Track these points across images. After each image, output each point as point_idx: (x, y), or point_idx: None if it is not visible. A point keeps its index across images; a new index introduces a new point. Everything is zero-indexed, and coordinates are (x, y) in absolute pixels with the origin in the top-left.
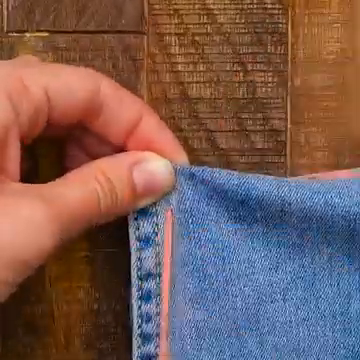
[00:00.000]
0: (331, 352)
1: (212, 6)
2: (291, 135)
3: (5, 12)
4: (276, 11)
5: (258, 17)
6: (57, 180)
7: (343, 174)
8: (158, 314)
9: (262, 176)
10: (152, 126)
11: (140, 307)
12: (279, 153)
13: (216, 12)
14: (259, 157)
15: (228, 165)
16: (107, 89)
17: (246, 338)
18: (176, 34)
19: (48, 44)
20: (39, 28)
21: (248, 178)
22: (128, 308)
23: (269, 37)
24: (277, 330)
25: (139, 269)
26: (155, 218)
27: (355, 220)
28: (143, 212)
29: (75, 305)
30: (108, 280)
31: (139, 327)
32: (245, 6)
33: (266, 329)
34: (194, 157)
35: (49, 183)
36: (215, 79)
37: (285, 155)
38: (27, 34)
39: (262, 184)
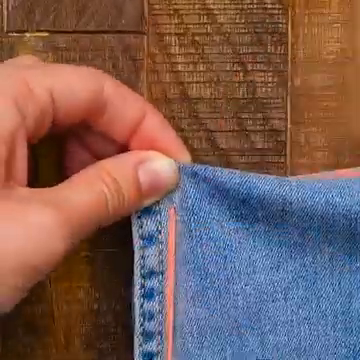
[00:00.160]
0: (332, 351)
1: (212, 6)
2: (291, 135)
3: (5, 12)
4: (276, 11)
5: (258, 17)
6: (63, 183)
7: (344, 173)
8: (160, 312)
9: (264, 175)
10: (155, 124)
11: (142, 305)
12: (279, 153)
13: (216, 12)
14: (259, 157)
15: (228, 165)
16: (110, 88)
17: (247, 337)
18: (176, 34)
19: (48, 44)
20: (39, 28)
21: (250, 177)
22: (129, 307)
23: (269, 37)
24: (278, 329)
25: (142, 267)
26: (158, 216)
27: (356, 219)
28: (146, 210)
29: (75, 305)
30: (108, 280)
31: (141, 325)
32: (245, 6)
33: (267, 328)
34: (194, 157)
35: (55, 187)
36: (215, 79)
37: (285, 155)
38: (27, 34)
39: (263, 183)
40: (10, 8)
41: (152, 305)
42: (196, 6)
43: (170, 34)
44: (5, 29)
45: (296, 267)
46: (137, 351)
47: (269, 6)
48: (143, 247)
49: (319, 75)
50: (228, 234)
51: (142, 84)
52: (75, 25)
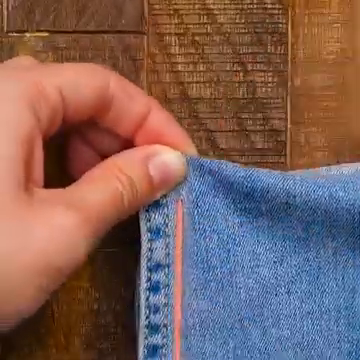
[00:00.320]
0: (335, 346)
1: (212, 6)
2: (291, 135)
3: (5, 12)
4: (276, 11)
5: (258, 17)
6: (78, 183)
7: (348, 168)
8: (166, 305)
9: (268, 170)
10: (161, 119)
11: (148, 298)
12: (279, 153)
13: (216, 12)
14: (259, 157)
15: None
16: (116, 84)
17: (250, 330)
18: (176, 34)
19: (48, 44)
20: (39, 28)
21: (254, 171)
22: (129, 307)
23: (269, 37)
24: (281, 323)
25: (149, 260)
26: (165, 209)
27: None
28: (154, 204)
29: (75, 305)
30: (108, 280)
31: (147, 318)
32: (245, 6)
33: (270, 321)
34: None
35: (71, 187)
36: (215, 79)
37: (285, 155)
38: (27, 34)
39: (267, 177)
40: (10, 8)
41: (158, 298)
42: (196, 6)
43: (170, 34)
44: (5, 29)
45: (300, 261)
46: (142, 344)
47: (269, 6)
48: (151, 240)
49: (319, 75)
50: (232, 227)
51: (142, 84)
52: (75, 25)
